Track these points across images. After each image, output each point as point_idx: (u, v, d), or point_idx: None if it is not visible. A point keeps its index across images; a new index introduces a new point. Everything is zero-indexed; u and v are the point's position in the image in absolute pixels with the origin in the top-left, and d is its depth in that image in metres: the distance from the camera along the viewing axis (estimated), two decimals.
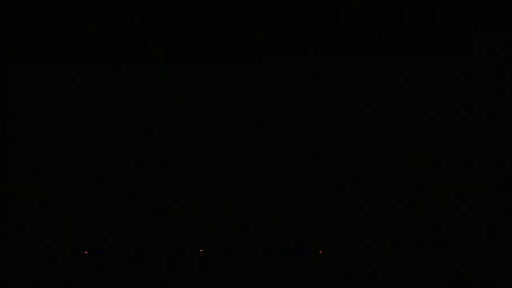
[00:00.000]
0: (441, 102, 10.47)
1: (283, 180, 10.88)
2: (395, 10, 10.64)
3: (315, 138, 10.94)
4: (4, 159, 10.82)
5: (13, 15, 10.77)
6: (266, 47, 11.02)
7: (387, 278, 9.75)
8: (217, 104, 11.05)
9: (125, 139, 11.10)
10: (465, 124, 10.31)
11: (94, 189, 10.91)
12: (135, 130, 11.06)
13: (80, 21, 10.81)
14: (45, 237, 10.62)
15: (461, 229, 10.03)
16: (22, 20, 10.79)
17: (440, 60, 10.46)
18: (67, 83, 11.03)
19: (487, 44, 10.36)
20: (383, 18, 10.70)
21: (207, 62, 10.96)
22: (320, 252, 10.27)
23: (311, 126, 10.87)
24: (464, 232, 10.00)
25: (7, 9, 10.67)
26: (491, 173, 10.19)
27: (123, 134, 11.11)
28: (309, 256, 10.22)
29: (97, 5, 10.71)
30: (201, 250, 10.08)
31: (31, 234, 10.60)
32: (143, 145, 11.12)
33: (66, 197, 10.88)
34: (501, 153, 10.19)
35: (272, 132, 11.08)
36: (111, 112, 11.01)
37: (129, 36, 10.87)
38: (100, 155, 11.06)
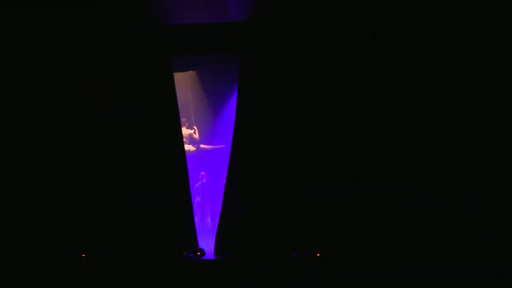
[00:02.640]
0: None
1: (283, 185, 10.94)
2: None
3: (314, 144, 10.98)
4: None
5: None
6: None
7: (384, 278, 9.73)
8: None
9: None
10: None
11: (93, 192, 11.01)
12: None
13: None
14: (44, 239, 10.72)
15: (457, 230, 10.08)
16: None
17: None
18: None
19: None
20: None
21: None
22: (318, 254, 10.35)
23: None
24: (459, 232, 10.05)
25: None
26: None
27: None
28: (307, 258, 10.37)
29: None
30: (199, 253, 10.07)
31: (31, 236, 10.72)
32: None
33: (65, 199, 11.00)
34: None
35: (272, 139, 11.14)
36: None
37: None
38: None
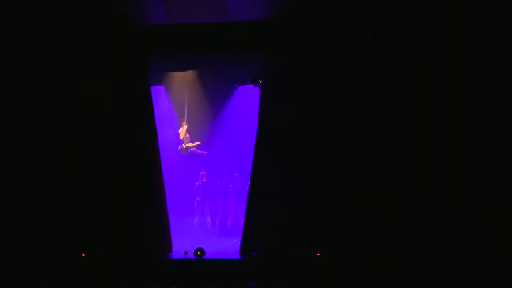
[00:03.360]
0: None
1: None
2: None
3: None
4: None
5: None
6: None
7: (384, 278, 9.73)
8: None
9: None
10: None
11: (93, 192, 10.99)
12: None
13: None
14: (45, 239, 10.72)
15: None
16: None
17: None
18: None
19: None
20: None
21: None
22: (318, 254, 10.36)
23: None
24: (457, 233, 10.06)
25: None
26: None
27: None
28: (307, 258, 10.36)
29: None
30: (199, 253, 10.05)
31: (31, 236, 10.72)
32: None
33: (65, 200, 10.98)
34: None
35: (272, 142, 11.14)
36: None
37: None
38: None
